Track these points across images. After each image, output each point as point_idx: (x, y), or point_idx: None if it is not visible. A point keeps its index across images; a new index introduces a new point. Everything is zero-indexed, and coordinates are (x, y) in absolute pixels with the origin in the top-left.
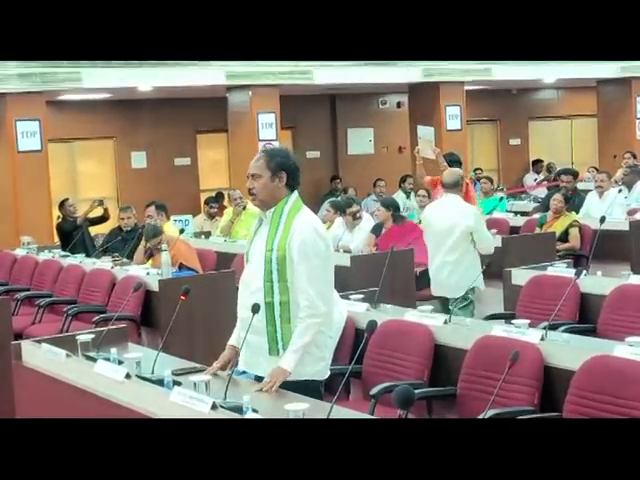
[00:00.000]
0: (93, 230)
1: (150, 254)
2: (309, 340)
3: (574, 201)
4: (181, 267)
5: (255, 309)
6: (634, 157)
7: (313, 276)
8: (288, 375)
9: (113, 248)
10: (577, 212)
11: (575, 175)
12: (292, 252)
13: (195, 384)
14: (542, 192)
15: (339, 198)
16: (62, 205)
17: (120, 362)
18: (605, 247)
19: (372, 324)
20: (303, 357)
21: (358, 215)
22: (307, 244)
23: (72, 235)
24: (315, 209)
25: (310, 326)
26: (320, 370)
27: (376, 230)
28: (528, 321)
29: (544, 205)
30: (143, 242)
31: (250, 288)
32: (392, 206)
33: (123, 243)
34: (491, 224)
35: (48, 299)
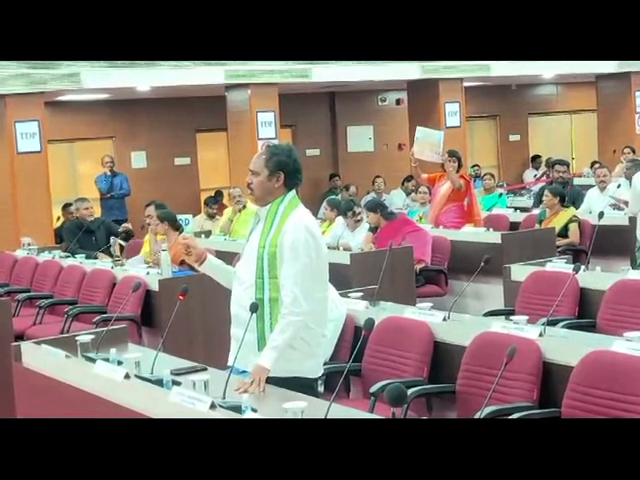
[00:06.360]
0: None
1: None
2: (289, 337)
3: (570, 195)
4: (182, 264)
5: (253, 308)
6: (633, 152)
7: (300, 275)
8: (268, 372)
9: (83, 244)
10: (575, 207)
11: (568, 165)
12: (283, 250)
13: (194, 383)
14: None
15: (339, 196)
16: (65, 208)
17: (119, 362)
18: (605, 242)
19: (370, 322)
20: (288, 353)
21: (360, 217)
22: (298, 243)
23: (76, 234)
24: (315, 207)
25: (291, 323)
26: (311, 367)
27: (373, 229)
28: (527, 317)
29: (537, 199)
30: (149, 236)
31: (243, 285)
32: (378, 207)
33: (91, 236)
34: (491, 220)
35: (49, 300)
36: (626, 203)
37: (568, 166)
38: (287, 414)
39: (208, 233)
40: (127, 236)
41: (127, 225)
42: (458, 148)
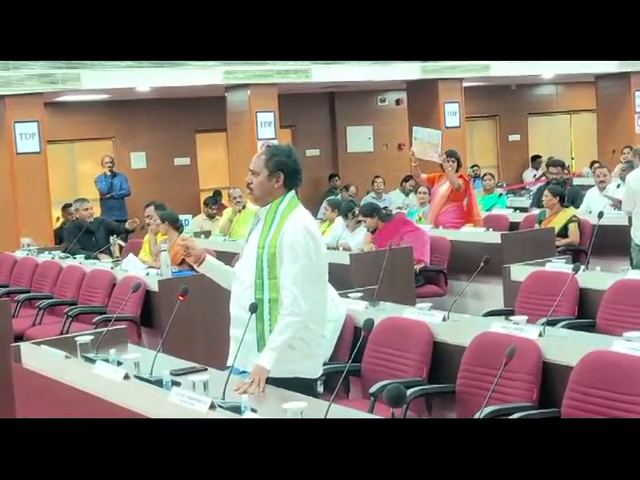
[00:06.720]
0: None
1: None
2: (288, 337)
3: (569, 195)
4: (182, 264)
5: (253, 308)
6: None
7: (300, 275)
8: (267, 373)
9: (83, 244)
10: (574, 206)
11: (563, 166)
12: (282, 250)
13: (194, 384)
14: None
15: (339, 196)
16: (65, 208)
17: (119, 363)
18: (604, 242)
19: (369, 322)
20: (288, 354)
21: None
22: (297, 243)
23: (76, 235)
24: (314, 207)
25: (290, 323)
26: (310, 367)
27: (372, 231)
28: (526, 317)
29: (535, 200)
30: (149, 236)
31: (243, 285)
32: (373, 211)
33: (91, 236)
34: (491, 220)
35: (48, 300)
36: (621, 202)
37: (562, 166)
38: (287, 414)
39: (208, 233)
40: (127, 236)
41: (135, 220)
42: (458, 148)
